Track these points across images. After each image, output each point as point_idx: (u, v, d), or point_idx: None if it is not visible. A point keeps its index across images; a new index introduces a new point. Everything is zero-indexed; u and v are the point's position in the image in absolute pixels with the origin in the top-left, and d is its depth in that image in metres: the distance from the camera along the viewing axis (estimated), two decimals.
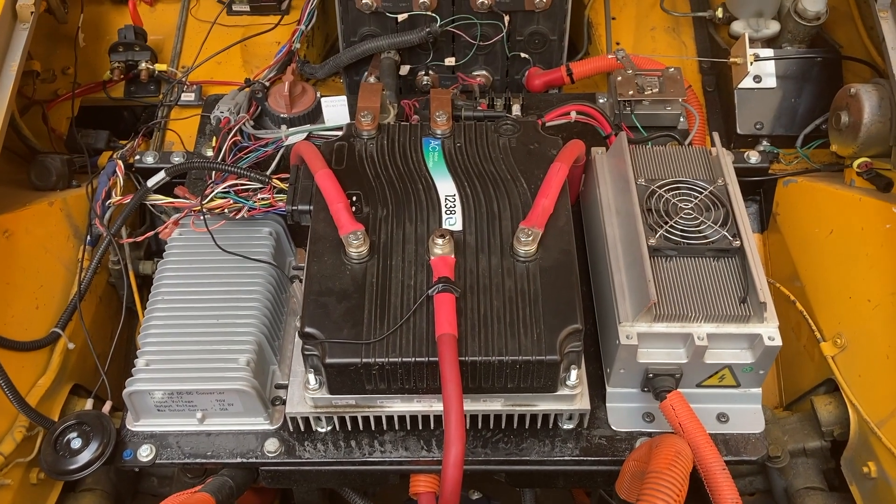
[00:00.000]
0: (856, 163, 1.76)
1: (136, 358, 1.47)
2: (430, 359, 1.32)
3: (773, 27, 2.11)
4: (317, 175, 1.52)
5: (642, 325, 1.42)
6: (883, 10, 1.75)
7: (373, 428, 1.48)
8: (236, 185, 1.63)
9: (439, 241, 1.42)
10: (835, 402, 1.63)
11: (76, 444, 1.46)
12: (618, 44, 2.26)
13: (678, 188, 1.55)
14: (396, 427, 1.48)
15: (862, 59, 2.00)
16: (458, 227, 1.48)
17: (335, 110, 1.77)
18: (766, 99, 2.05)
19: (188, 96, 2.15)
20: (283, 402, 1.50)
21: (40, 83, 2.16)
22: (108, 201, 1.75)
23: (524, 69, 2.15)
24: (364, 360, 1.32)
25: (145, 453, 1.48)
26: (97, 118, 2.19)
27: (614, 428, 1.50)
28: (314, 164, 1.54)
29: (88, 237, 1.78)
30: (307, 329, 1.35)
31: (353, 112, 1.75)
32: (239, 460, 1.48)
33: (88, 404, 1.58)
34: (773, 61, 2.05)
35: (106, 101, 2.22)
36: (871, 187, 1.75)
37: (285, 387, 1.51)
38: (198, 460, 1.49)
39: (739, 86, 2.03)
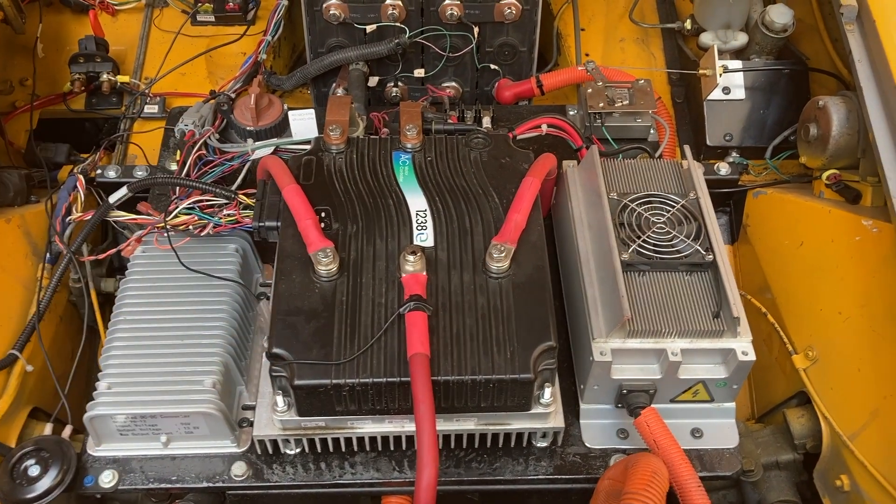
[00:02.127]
0: (825, 175, 1.77)
1: (98, 380, 1.43)
2: (402, 379, 1.29)
3: (741, 39, 2.12)
4: (284, 190, 1.49)
5: (616, 341, 1.40)
6: (849, 23, 1.76)
7: (343, 449, 1.44)
8: (201, 200, 1.58)
9: (410, 257, 1.39)
10: (807, 415, 1.63)
11: (34, 471, 1.41)
12: (587, 55, 2.26)
13: (650, 202, 1.54)
14: (367, 448, 1.45)
15: (828, 71, 2.02)
16: (430, 243, 1.46)
17: (303, 123, 1.74)
18: (734, 110, 2.06)
19: (151, 108, 2.11)
20: (251, 424, 1.46)
21: None
22: (69, 218, 1.70)
23: (494, 81, 2.14)
24: (334, 381, 1.29)
25: (107, 479, 1.43)
26: (57, 131, 2.14)
27: (588, 445, 1.48)
28: (281, 179, 1.51)
29: (48, 255, 1.73)
30: (275, 350, 1.32)
31: (321, 125, 1.72)
32: (205, 484, 1.44)
33: (48, 429, 1.53)
34: (741, 73, 2.06)
35: (66, 114, 2.16)
36: (840, 199, 1.76)
37: (253, 408, 1.47)
38: (162, 485, 1.44)
39: (708, 97, 2.03)
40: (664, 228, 1.49)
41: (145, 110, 2.10)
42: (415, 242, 1.45)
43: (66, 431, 1.50)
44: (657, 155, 1.85)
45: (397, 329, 1.34)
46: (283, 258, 1.43)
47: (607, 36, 2.31)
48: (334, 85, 2.09)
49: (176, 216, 1.56)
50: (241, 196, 1.58)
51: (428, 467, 1.21)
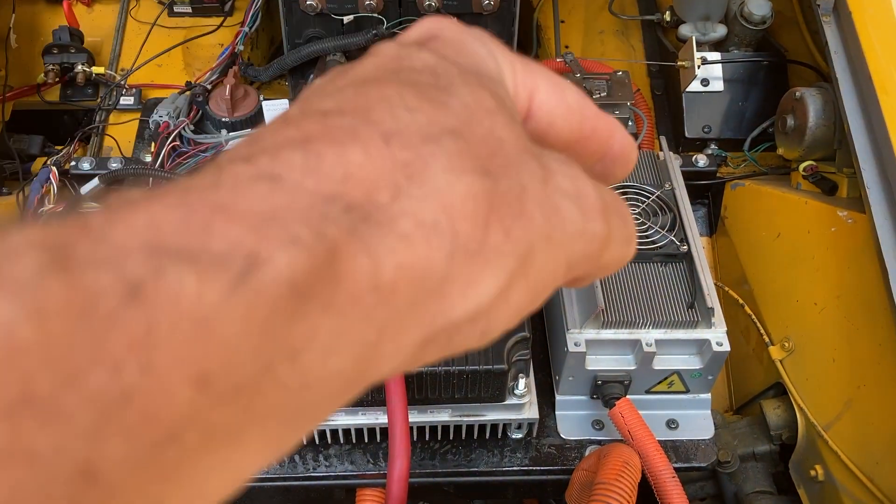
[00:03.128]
0: (801, 166, 1.77)
1: None
2: None
3: (720, 31, 2.11)
4: None
5: (590, 331, 1.40)
6: (825, 15, 1.76)
7: (317, 442, 1.43)
8: None
9: None
10: (783, 406, 1.63)
11: None
12: (567, 47, 2.25)
13: (625, 193, 1.54)
14: (342, 440, 1.44)
15: (806, 63, 2.02)
16: None
17: (276, 113, 1.72)
18: (713, 102, 2.06)
19: (127, 100, 2.08)
20: None
21: None
22: (41, 210, 1.68)
23: None
24: None
25: None
26: (30, 122, 2.11)
27: (564, 436, 1.48)
28: None
29: None
30: None
31: None
32: None
33: None
34: (720, 65, 2.06)
35: (40, 105, 2.14)
36: (816, 190, 1.76)
37: None
38: None
39: (687, 89, 2.03)
40: (639, 219, 1.49)
41: (121, 102, 2.08)
42: None
43: None
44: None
45: None
46: None
47: (587, 28, 2.30)
48: (312, 76, 2.07)
49: None
50: None
51: (399, 458, 1.20)
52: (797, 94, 1.78)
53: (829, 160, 1.77)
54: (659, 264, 1.46)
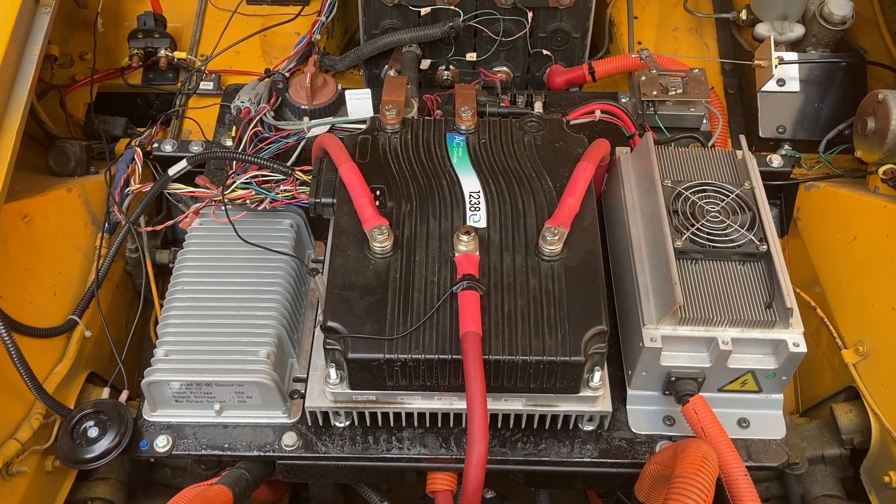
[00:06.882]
0: (881, 169, 1.75)
1: (155, 347, 1.46)
2: (454, 356, 1.31)
3: (798, 31, 2.09)
4: (341, 168, 1.51)
5: (666, 327, 1.41)
6: None
7: (392, 424, 1.47)
8: (258, 176, 1.61)
9: (464, 237, 1.41)
10: (856, 410, 1.62)
11: (93, 432, 1.45)
12: (640, 43, 2.25)
13: (705, 190, 1.54)
14: (416, 424, 1.47)
15: (887, 65, 1.99)
16: (483, 224, 1.47)
17: (359, 103, 1.75)
18: (788, 103, 2.04)
19: (206, 85, 2.14)
20: (301, 396, 1.49)
21: (58, 68, 2.14)
22: (127, 189, 1.73)
23: (545, 66, 2.14)
24: (387, 355, 1.31)
25: (162, 444, 1.47)
26: (112, 105, 2.18)
27: (634, 430, 1.49)
28: (338, 157, 1.53)
29: (106, 224, 1.77)
30: (330, 323, 1.34)
31: (376, 105, 1.73)
32: (256, 453, 1.47)
33: (105, 393, 1.57)
34: (796, 65, 2.04)
35: (123, 88, 2.20)
36: None
37: (303, 380, 1.50)
38: (215, 452, 1.48)
39: (762, 89, 2.01)
40: (718, 217, 1.49)
41: (200, 87, 2.13)
42: (468, 223, 1.47)
43: (123, 396, 1.54)
44: (710, 145, 1.84)
45: (449, 307, 1.35)
46: (339, 234, 1.45)
47: (660, 24, 2.30)
48: (387, 67, 2.10)
49: (234, 190, 1.58)
50: (297, 172, 1.60)
51: (478, 443, 1.22)
52: (879, 96, 1.76)
53: None
54: (737, 263, 1.46)
